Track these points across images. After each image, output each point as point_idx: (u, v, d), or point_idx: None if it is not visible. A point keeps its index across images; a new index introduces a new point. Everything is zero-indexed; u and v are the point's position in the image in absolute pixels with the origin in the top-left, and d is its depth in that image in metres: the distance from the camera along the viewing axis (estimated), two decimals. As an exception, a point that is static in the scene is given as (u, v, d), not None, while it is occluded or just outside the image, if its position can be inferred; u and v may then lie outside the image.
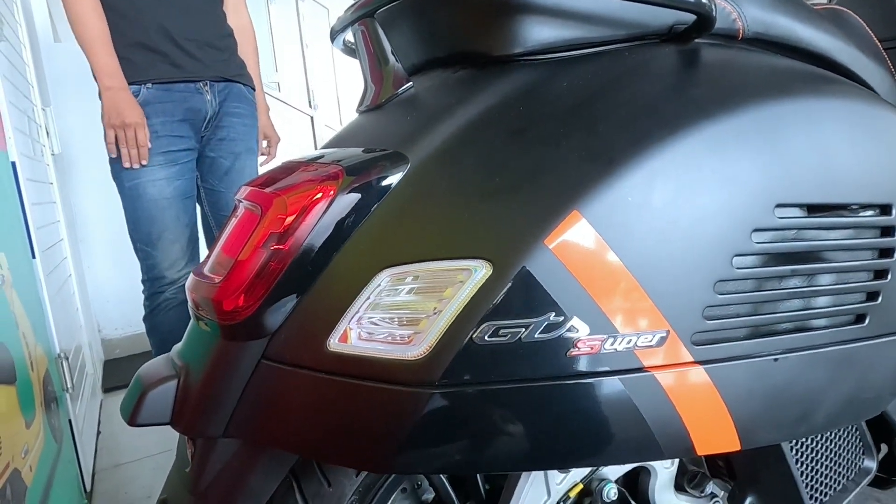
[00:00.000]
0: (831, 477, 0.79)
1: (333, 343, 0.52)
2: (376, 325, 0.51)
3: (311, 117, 3.50)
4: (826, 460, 0.78)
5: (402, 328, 0.50)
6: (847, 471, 0.81)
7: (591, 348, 0.49)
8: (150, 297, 1.55)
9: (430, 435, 0.48)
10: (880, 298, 0.60)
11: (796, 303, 0.57)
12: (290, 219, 0.55)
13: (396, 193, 0.54)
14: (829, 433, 0.77)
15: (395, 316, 0.51)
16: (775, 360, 0.54)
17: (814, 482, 0.77)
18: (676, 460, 0.81)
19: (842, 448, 0.80)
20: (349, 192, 0.55)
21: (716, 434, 0.54)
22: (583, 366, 0.49)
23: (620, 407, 0.50)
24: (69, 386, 1.54)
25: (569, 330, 0.48)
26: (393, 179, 0.55)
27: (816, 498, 0.77)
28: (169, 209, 1.49)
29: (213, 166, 1.62)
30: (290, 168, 0.61)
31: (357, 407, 0.50)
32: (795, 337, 0.56)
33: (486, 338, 0.48)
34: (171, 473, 0.65)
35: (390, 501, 0.78)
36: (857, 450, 0.82)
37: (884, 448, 0.89)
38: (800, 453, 0.74)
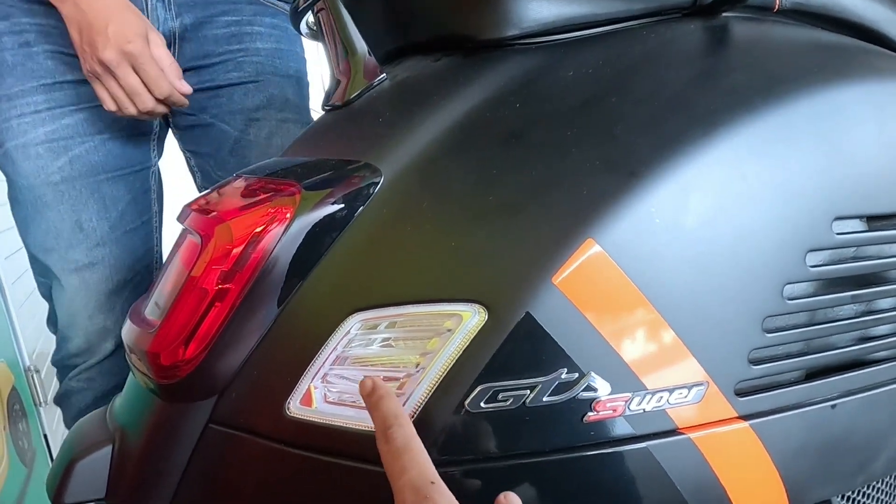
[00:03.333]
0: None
1: (294, 406, 0.42)
2: (346, 383, 0.42)
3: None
4: (871, 490, 0.69)
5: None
6: (889, 497, 0.73)
7: (614, 410, 0.39)
8: (59, 375, 0.92)
9: (414, 525, 0.39)
10: (949, 320, 0.51)
11: (854, 333, 0.47)
12: (236, 250, 0.44)
13: (367, 216, 0.44)
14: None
15: (369, 373, 0.41)
16: (832, 406, 0.45)
17: (855, 515, 0.68)
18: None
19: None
20: (310, 214, 0.44)
21: (762, 498, 0.45)
22: (603, 432, 0.39)
23: (650, 479, 0.41)
24: (41, 400, 1.45)
25: (585, 389, 0.38)
26: (364, 198, 0.45)
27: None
28: (70, 212, 0.80)
29: (205, 136, 0.93)
30: (240, 183, 0.50)
31: (323, 490, 0.41)
32: (854, 376, 0.46)
33: (481, 404, 0.38)
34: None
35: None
36: (901, 473, 0.73)
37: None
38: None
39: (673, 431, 0.40)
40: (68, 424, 0.91)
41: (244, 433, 0.44)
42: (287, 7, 0.94)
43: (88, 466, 0.47)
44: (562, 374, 0.38)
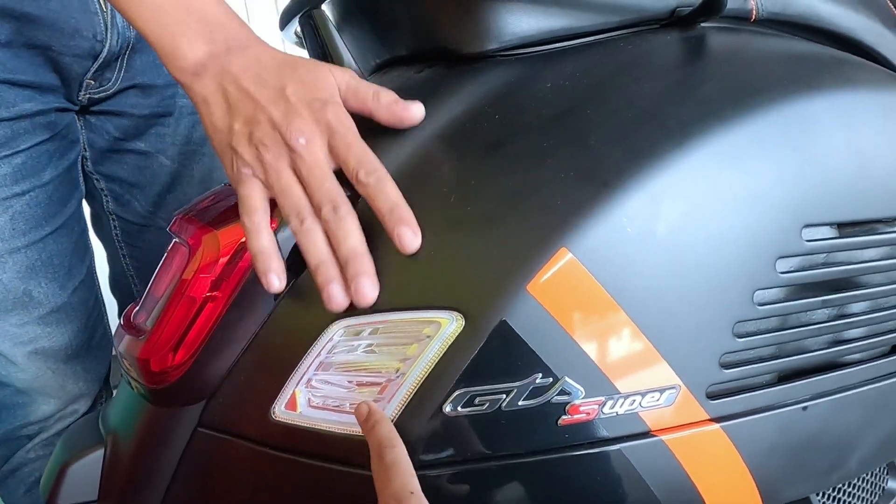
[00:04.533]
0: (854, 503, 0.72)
1: (279, 410, 0.43)
2: (329, 388, 0.43)
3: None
4: (849, 486, 0.70)
5: (360, 394, 0.42)
6: (871, 494, 0.74)
7: (587, 414, 0.40)
8: (1, 454, 0.80)
9: (395, 525, 0.40)
10: (920, 323, 0.52)
11: (826, 337, 0.48)
12: (223, 259, 0.46)
13: (350, 225, 0.45)
14: (852, 459, 0.70)
15: (351, 378, 0.42)
16: (804, 408, 0.46)
17: (837, 513, 0.69)
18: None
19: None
20: (295, 223, 0.45)
21: (735, 498, 0.46)
22: (578, 435, 0.41)
23: (624, 480, 0.42)
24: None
25: (559, 393, 0.40)
26: (346, 207, 0.46)
27: (839, 529, 0.70)
28: (17, 280, 0.69)
29: (137, 165, 0.82)
30: (227, 191, 0.52)
31: (309, 492, 0.42)
32: (825, 378, 0.48)
33: (458, 408, 0.39)
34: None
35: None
36: (882, 472, 0.75)
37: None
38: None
39: (646, 434, 0.42)
40: (18, 501, 0.80)
41: (231, 437, 0.45)
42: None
43: (80, 470, 0.48)
44: (536, 378, 0.39)
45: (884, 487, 0.76)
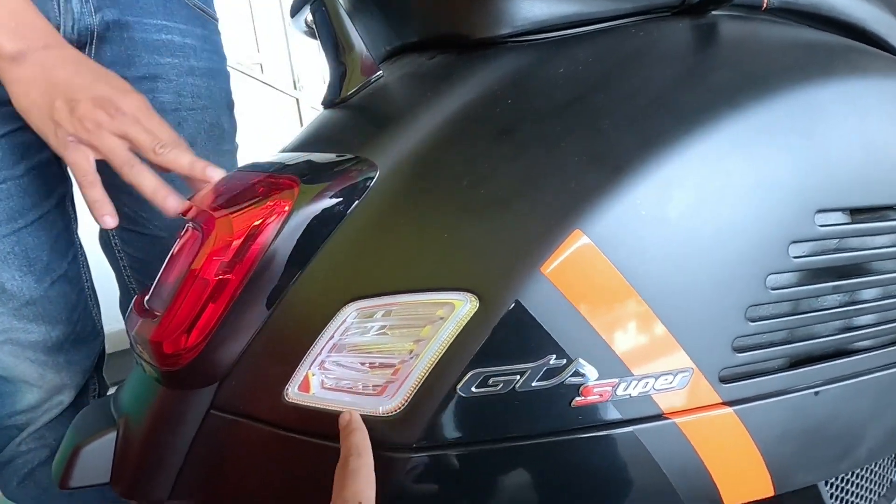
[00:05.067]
0: (862, 496, 0.72)
1: (292, 392, 0.43)
2: (342, 370, 0.43)
3: (297, 99, 3.38)
4: (857, 478, 0.70)
5: (373, 375, 0.42)
6: (879, 487, 0.74)
7: (601, 395, 0.40)
8: None
9: (408, 506, 0.40)
10: (931, 312, 0.52)
11: (837, 323, 0.49)
12: (236, 242, 0.46)
13: (363, 209, 0.46)
14: (860, 450, 0.70)
15: (364, 360, 0.42)
16: (815, 393, 0.46)
17: (842, 503, 0.69)
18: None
19: (874, 463, 0.72)
20: (308, 207, 0.46)
21: (746, 482, 0.46)
22: (591, 417, 0.41)
23: (636, 461, 0.42)
24: None
25: (573, 375, 0.40)
26: (360, 192, 0.46)
27: (847, 520, 0.70)
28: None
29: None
30: (240, 178, 0.52)
31: (322, 473, 0.42)
32: (837, 364, 0.48)
33: (472, 389, 0.39)
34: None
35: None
36: (890, 463, 0.74)
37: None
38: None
39: (658, 416, 0.42)
40: (12, 492, 0.81)
41: (244, 419, 0.45)
42: (216, 18, 0.84)
43: (93, 452, 0.49)
44: (550, 360, 0.40)
45: (892, 480, 0.76)
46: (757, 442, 0.45)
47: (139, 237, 0.84)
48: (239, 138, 0.92)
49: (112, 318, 0.91)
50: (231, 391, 0.46)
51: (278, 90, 3.29)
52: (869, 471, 0.72)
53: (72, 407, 0.79)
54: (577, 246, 0.40)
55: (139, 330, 0.48)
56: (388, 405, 0.40)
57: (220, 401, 0.46)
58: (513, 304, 0.39)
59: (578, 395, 0.40)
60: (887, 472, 0.76)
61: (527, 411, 0.40)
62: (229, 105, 0.86)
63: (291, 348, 0.44)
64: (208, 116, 0.81)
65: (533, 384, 0.40)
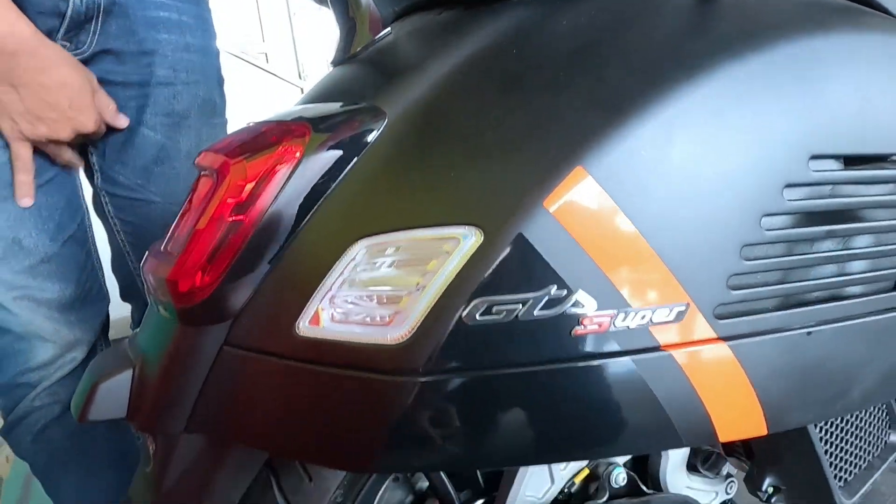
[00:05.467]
0: (857, 454, 0.73)
1: (303, 326, 0.45)
2: (352, 304, 0.45)
3: (301, 88, 3.39)
4: (851, 437, 0.72)
5: (381, 307, 0.44)
6: (873, 447, 0.75)
7: (600, 326, 0.42)
8: (6, 401, 0.83)
9: (415, 430, 0.42)
10: (922, 261, 0.53)
11: (830, 268, 0.50)
12: (249, 186, 0.48)
13: (372, 153, 0.47)
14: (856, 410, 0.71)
15: (373, 293, 0.44)
16: (808, 333, 0.48)
17: (839, 460, 0.71)
18: (689, 440, 0.75)
19: (868, 423, 0.74)
20: (318, 153, 0.47)
21: (740, 418, 0.48)
22: (590, 346, 0.42)
23: (634, 392, 0.44)
24: None
25: (573, 305, 0.42)
26: (368, 137, 0.48)
27: (841, 477, 0.72)
28: (6, 228, 0.74)
29: (121, 139, 0.82)
30: (254, 129, 0.54)
31: (331, 399, 0.44)
32: (830, 307, 0.49)
33: (477, 316, 0.41)
34: (136, 472, 0.59)
35: (381, 491, 0.73)
36: (884, 424, 0.76)
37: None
38: (824, 430, 0.69)
39: (656, 348, 0.43)
40: (25, 450, 0.84)
41: (257, 354, 0.47)
42: None
43: (110, 388, 0.50)
44: (551, 290, 0.41)
45: (886, 441, 0.78)
46: (751, 378, 0.46)
47: (132, 203, 0.87)
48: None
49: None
50: (244, 328, 0.48)
51: (283, 79, 3.31)
52: (865, 431, 0.74)
53: (84, 363, 0.82)
54: (578, 182, 0.41)
55: (156, 271, 0.50)
56: (396, 334, 0.42)
57: (234, 337, 0.48)
58: (515, 237, 0.41)
59: (578, 325, 0.42)
60: (882, 434, 0.77)
61: (529, 339, 0.41)
62: (220, 82, 0.90)
63: (302, 285, 0.46)
64: (201, 91, 0.85)
65: (535, 313, 0.41)
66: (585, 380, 0.43)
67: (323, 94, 0.56)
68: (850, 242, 0.51)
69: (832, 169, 0.48)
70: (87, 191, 0.88)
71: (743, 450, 0.75)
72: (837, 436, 0.70)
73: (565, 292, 0.41)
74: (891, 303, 0.52)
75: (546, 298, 0.41)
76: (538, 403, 0.43)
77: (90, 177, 0.88)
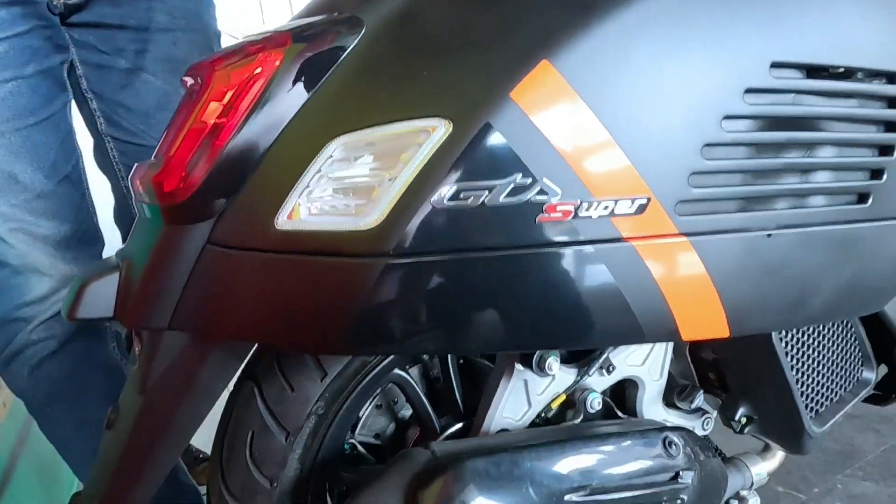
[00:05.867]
0: (829, 387, 0.75)
1: (282, 220, 0.47)
2: (327, 198, 0.47)
3: (301, 71, 3.40)
4: (823, 369, 0.74)
5: (355, 198, 0.45)
6: (845, 381, 0.77)
7: (563, 214, 0.44)
8: (1, 338, 0.83)
9: (385, 311, 0.44)
10: (885, 177, 0.55)
11: (793, 177, 0.52)
12: (232, 91, 0.50)
13: (350, 59, 0.49)
14: (826, 340, 0.73)
15: (347, 187, 0.46)
16: (768, 235, 0.50)
17: (810, 391, 0.73)
18: (665, 373, 0.77)
19: (840, 357, 0.76)
20: (297, 61, 0.49)
21: (703, 318, 0.50)
22: (554, 234, 0.44)
23: (597, 281, 0.45)
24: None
25: (538, 193, 0.43)
26: (347, 45, 0.49)
27: (812, 408, 0.74)
28: (2, 163, 0.75)
29: (124, 83, 0.85)
30: (238, 43, 0.55)
31: (306, 285, 0.46)
32: (791, 213, 0.51)
33: (445, 201, 0.43)
34: (126, 383, 0.61)
35: (364, 417, 0.75)
36: (857, 360, 0.78)
37: (883, 368, 0.85)
38: (796, 360, 0.70)
39: (618, 239, 0.45)
40: (22, 385, 0.84)
41: (238, 250, 0.49)
42: None
43: (98, 288, 0.52)
44: (517, 178, 0.43)
45: (858, 377, 0.80)
46: (712, 276, 0.48)
47: (137, 149, 0.90)
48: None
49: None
50: (226, 226, 0.49)
51: (283, 62, 3.31)
52: (837, 365, 0.76)
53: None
54: (544, 75, 0.43)
55: (143, 176, 0.52)
56: (367, 220, 0.44)
57: (216, 236, 0.50)
58: (483, 125, 0.43)
59: (543, 213, 0.44)
60: (855, 370, 0.79)
61: (496, 225, 0.43)
62: (217, 35, 0.93)
63: (281, 182, 0.48)
64: (199, 39, 0.88)
65: (501, 200, 0.43)
66: (549, 266, 0.44)
67: (308, 11, 0.58)
68: (814, 152, 0.52)
69: (794, 78, 0.50)
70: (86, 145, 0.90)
71: (718, 383, 0.77)
72: (809, 366, 0.72)
73: (530, 180, 0.43)
74: (852, 215, 0.54)
75: (512, 185, 0.43)
76: (505, 288, 0.44)
77: (93, 128, 0.90)
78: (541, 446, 0.57)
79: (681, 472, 0.62)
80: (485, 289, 0.44)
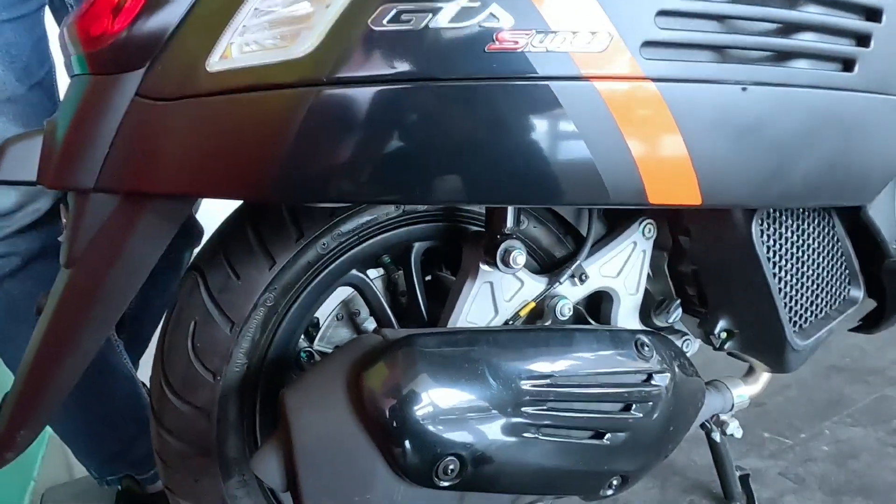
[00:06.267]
0: (813, 301, 0.71)
1: (214, 62, 0.43)
2: (262, 32, 0.43)
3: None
4: (807, 280, 0.70)
5: (290, 27, 0.41)
6: (831, 298, 0.74)
7: (515, 43, 0.40)
8: None
9: (316, 149, 0.40)
10: (872, 45, 0.51)
11: (773, 30, 0.48)
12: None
13: None
14: (810, 250, 0.69)
15: (283, 18, 0.42)
16: (744, 89, 0.46)
17: (793, 303, 0.69)
18: (641, 288, 0.73)
19: (826, 272, 0.72)
20: None
21: (673, 179, 0.46)
22: (506, 65, 0.40)
23: (554, 126, 0.42)
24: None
25: (487, 19, 0.39)
26: None
27: (796, 322, 0.70)
28: None
29: None
30: None
31: (238, 125, 0.42)
32: (770, 69, 0.47)
33: (384, 22, 0.39)
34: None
35: (323, 329, 0.71)
36: (843, 276, 0.74)
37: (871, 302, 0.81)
38: (778, 267, 0.67)
39: (577, 77, 0.41)
40: None
41: (169, 101, 0.45)
42: None
43: (19, 149, 0.48)
44: (464, 0, 0.39)
45: (845, 296, 0.76)
46: (682, 131, 0.44)
47: None
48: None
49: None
50: (155, 77, 0.45)
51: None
52: (824, 280, 0.72)
53: (47, 215, 0.79)
54: None
55: (69, 26, 0.48)
56: (301, 48, 0.40)
57: (145, 89, 0.46)
58: (428, -59, 0.39)
59: (493, 42, 0.40)
60: (842, 288, 0.75)
61: (440, 52, 0.39)
62: None
63: (214, 23, 0.43)
64: None
65: (446, 23, 0.39)
66: (501, 102, 0.41)
67: None
68: (797, 6, 0.48)
69: (773, -80, 0.46)
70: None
71: (697, 297, 0.73)
72: (792, 275, 0.68)
73: (479, 4, 0.39)
74: (837, 81, 0.50)
75: (458, 8, 0.39)
76: (450, 125, 0.41)
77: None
78: (501, 332, 0.53)
79: (654, 375, 0.58)
80: (427, 125, 0.40)
